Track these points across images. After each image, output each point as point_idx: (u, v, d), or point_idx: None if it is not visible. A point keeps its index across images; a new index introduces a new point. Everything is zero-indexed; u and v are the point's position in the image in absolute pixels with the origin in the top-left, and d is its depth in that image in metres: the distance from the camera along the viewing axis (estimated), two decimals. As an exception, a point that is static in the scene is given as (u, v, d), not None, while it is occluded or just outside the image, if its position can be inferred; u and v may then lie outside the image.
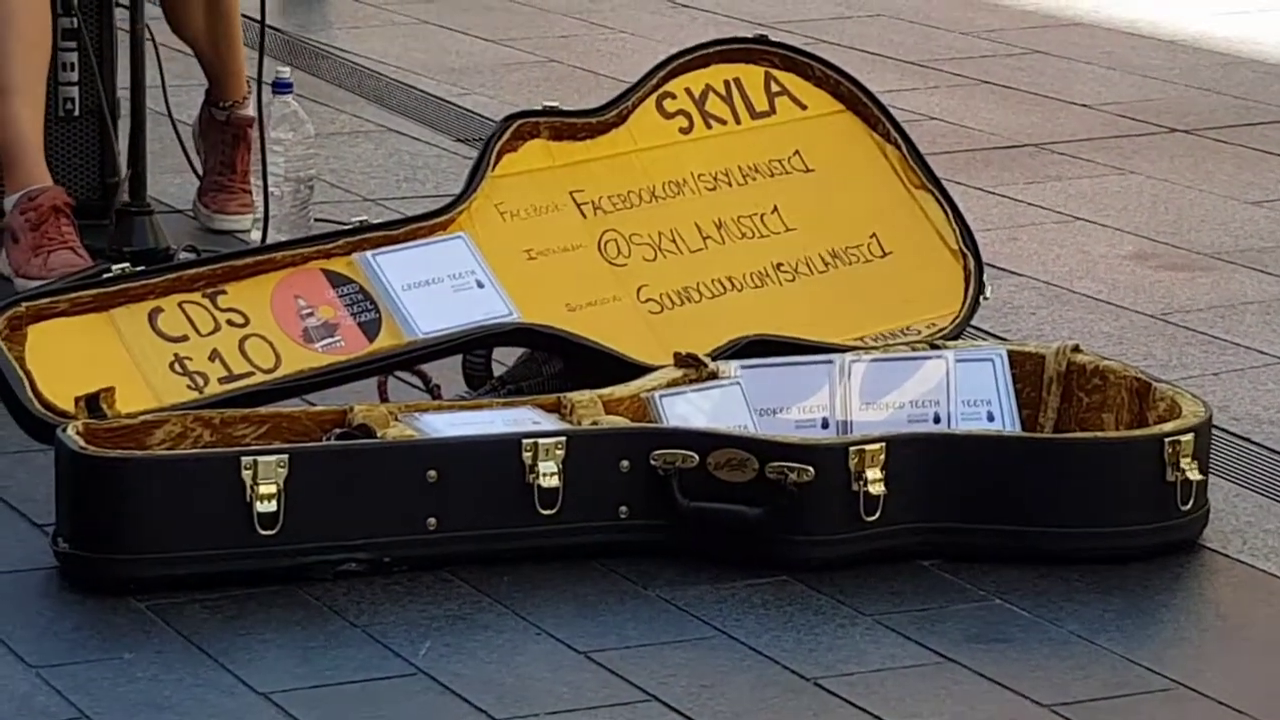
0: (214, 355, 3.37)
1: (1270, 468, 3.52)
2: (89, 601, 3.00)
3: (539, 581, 3.08)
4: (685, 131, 3.78)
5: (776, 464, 3.11)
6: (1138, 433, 3.26)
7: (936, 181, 3.83)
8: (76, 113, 4.47)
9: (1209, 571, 3.19)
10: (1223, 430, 3.52)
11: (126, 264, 3.51)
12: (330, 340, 3.44)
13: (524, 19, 6.35)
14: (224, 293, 3.43)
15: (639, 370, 3.43)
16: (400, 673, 2.83)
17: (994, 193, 4.85)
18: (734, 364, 3.42)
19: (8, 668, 2.82)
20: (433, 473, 3.10)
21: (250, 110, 4.50)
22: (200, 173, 4.61)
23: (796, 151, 3.81)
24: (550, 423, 3.25)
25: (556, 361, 3.56)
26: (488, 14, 6.40)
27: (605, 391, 3.33)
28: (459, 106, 5.47)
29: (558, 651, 2.90)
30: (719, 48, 3.88)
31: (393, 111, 5.46)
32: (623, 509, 3.16)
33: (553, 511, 3.13)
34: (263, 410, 3.28)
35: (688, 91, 3.81)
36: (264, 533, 3.03)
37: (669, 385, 3.36)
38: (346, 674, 2.83)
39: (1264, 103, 5.63)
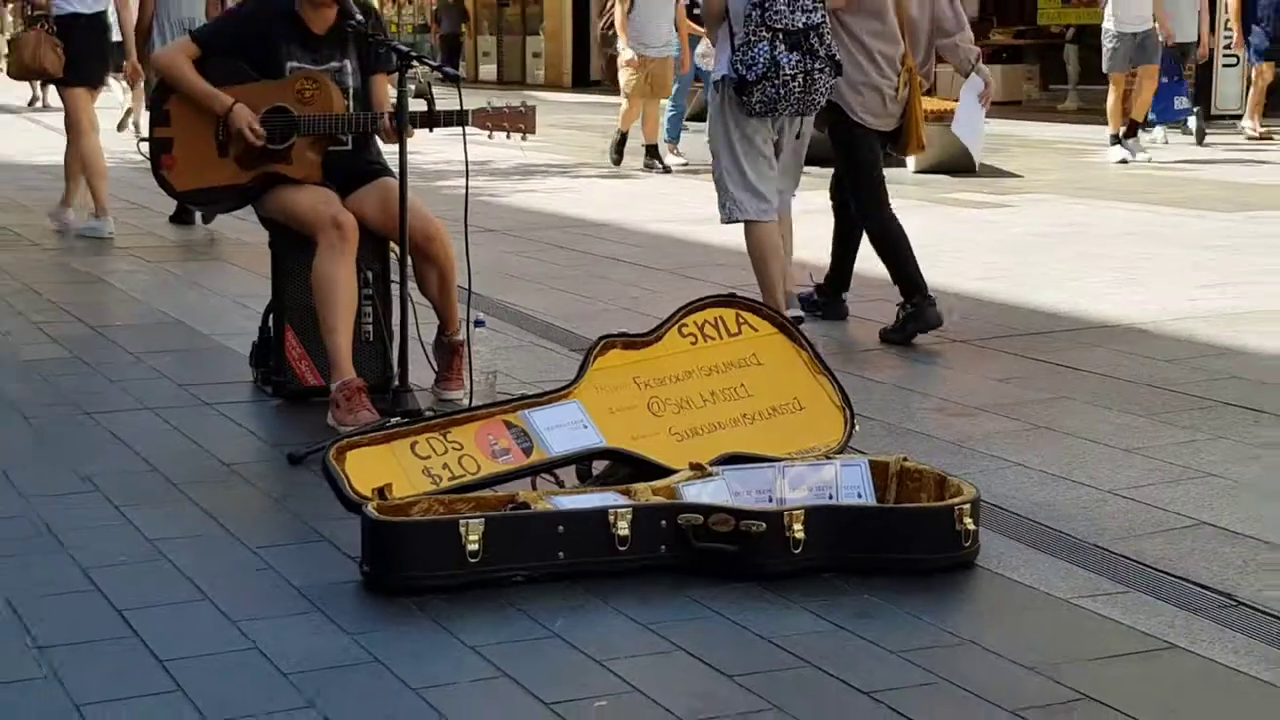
0: (444, 466, 3.39)
1: (1011, 522, 3.51)
2: (379, 598, 3.01)
3: (618, 586, 3.07)
4: (693, 344, 3.78)
5: (745, 521, 3.12)
6: (940, 504, 3.25)
7: (829, 370, 3.85)
8: (370, 339, 4.54)
9: (982, 580, 3.17)
10: (987, 502, 3.51)
11: (399, 418, 3.57)
12: (506, 457, 3.46)
13: (609, 289, 6.41)
14: (449, 433, 3.45)
15: (670, 472, 3.43)
16: (544, 636, 2.84)
17: (860, 376, 4.87)
18: (721, 468, 3.42)
19: (336, 634, 2.84)
20: (561, 527, 3.10)
21: (461, 336, 4.55)
22: (435, 369, 4.65)
23: (753, 354, 3.80)
24: (624, 500, 3.26)
25: (626, 468, 3.56)
26: (591, 284, 6.48)
27: (652, 483, 3.34)
28: (573, 332, 5.50)
29: (629, 624, 2.91)
30: (711, 299, 3.89)
31: (538, 335, 5.49)
32: (663, 548, 3.16)
33: (625, 549, 3.13)
34: (470, 495, 3.29)
35: (695, 322, 3.81)
36: (471, 561, 3.04)
37: (686, 480, 3.37)
38: (517, 635, 2.84)
39: (1004, 325, 5.65)
